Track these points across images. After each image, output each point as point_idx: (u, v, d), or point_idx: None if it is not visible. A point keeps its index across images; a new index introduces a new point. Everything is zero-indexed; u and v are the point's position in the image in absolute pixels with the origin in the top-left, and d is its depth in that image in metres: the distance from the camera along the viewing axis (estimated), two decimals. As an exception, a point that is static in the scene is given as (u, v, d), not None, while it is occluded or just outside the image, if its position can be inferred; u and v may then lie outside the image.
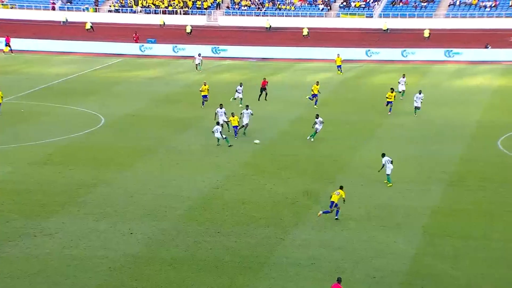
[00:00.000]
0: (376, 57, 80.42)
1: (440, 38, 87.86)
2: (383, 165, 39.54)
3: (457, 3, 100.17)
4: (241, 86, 58.32)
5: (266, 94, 59.35)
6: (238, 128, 49.10)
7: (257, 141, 42.72)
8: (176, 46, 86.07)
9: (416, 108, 53.90)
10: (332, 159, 44.90)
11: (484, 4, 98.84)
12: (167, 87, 67.48)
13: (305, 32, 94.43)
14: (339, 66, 71.65)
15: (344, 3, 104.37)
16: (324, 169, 43.19)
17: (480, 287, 28.85)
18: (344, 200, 35.56)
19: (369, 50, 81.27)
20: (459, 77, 70.30)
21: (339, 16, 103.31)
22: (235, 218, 36.20)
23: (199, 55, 76.02)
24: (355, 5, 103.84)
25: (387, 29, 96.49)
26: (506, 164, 43.44)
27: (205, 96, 58.00)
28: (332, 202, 35.30)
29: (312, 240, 33.53)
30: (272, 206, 37.62)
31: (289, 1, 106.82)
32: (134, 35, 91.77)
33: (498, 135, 48.78)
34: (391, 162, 39.55)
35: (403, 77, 60.68)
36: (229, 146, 46.97)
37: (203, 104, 57.82)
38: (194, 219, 36.16)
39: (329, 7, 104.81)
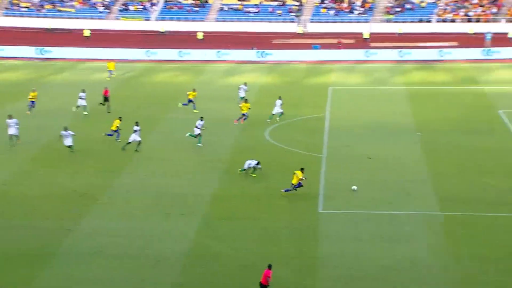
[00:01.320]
0: (155, 57, 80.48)
1: (212, 40, 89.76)
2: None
3: (226, 8, 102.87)
4: (84, 93, 53.47)
5: (109, 105, 54.14)
6: (117, 132, 45.32)
7: (354, 188, 37.97)
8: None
9: (281, 113, 51.97)
10: (117, 152, 44.33)
11: (248, 9, 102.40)
12: None
13: (86, 33, 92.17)
14: (110, 71, 68.22)
15: (123, 7, 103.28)
16: (111, 162, 42.57)
17: (253, 263, 29.92)
18: (304, 178, 36.54)
19: (148, 51, 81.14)
20: (230, 75, 72.32)
21: (119, 19, 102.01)
22: (23, 212, 34.68)
23: None
24: (133, 9, 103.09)
25: (164, 31, 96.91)
26: (273, 152, 45.39)
27: (32, 102, 53.30)
28: (292, 184, 36.58)
29: (99, 229, 33.01)
30: (60, 199, 36.53)
31: (70, 4, 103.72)
32: None
33: (265, 127, 50.81)
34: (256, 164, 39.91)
35: (245, 85, 58.16)
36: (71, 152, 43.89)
37: (29, 110, 52.94)
38: (-20, 216, 34.13)
39: (108, 10, 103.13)
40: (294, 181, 36.78)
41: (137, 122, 44.76)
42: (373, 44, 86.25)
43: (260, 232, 33.09)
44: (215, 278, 28.24)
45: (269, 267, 26.54)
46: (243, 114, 50.82)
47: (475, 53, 77.65)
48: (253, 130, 50.31)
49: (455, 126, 50.37)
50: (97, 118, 52.62)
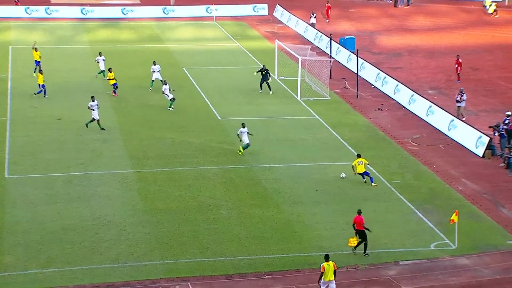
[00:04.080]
0: None
1: None
2: None
3: None
4: None
5: None
6: None
7: (343, 175, 34.64)
8: None
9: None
10: None
11: None
12: None
13: None
14: None
15: None
16: None
17: None
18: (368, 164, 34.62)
19: None
20: None
21: None
22: None
23: None
24: None
25: None
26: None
27: None
28: (361, 173, 34.03)
29: None
30: None
31: None
32: None
33: None
34: None
35: (100, 55, 52.10)
36: None
37: None
38: None
39: None
40: (361, 170, 33.92)
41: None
42: (53, 1, 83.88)
43: None
44: None
45: (359, 212, 27.53)
46: (114, 85, 47.45)
47: (156, 11, 79.55)
48: None
49: (144, 84, 51.42)
50: None
